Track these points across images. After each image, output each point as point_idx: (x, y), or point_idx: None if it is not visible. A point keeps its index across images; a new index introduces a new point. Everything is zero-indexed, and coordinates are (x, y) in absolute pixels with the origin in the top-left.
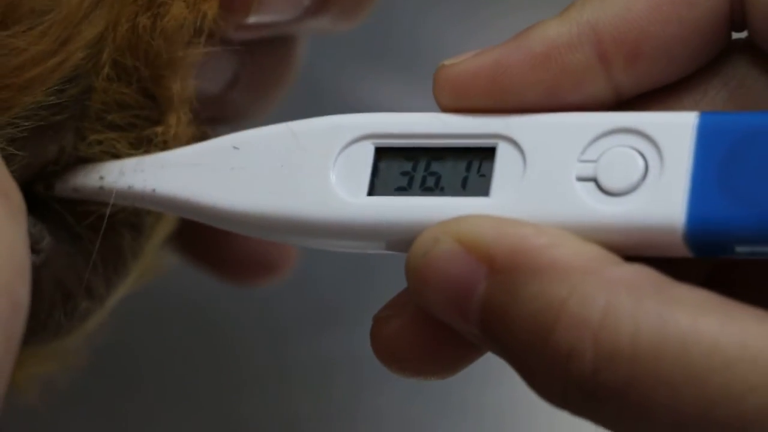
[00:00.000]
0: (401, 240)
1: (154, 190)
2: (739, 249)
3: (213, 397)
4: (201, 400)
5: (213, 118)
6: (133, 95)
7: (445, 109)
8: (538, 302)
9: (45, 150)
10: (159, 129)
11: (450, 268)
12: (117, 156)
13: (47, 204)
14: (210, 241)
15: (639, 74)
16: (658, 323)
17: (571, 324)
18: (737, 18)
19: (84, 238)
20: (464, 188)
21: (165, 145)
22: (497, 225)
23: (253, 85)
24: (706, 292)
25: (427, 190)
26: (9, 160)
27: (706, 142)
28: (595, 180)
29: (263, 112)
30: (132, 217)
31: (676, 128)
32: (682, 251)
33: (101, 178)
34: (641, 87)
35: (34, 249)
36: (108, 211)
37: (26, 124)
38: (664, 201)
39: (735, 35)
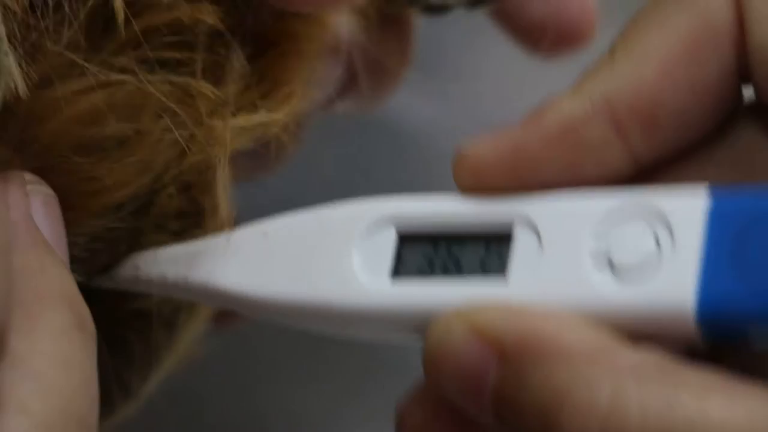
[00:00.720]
0: (421, 326)
1: (186, 279)
2: (753, 332)
3: None
4: None
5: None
6: (186, 205)
7: (466, 191)
8: (545, 389)
9: (99, 260)
10: (200, 233)
11: (462, 356)
12: None
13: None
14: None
15: (656, 142)
16: (665, 408)
17: (577, 412)
18: (745, 72)
19: (122, 336)
20: (483, 271)
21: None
22: (507, 312)
23: (373, 75)
24: (711, 373)
25: (447, 273)
26: None
27: (718, 222)
28: (608, 259)
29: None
30: (167, 314)
31: (688, 207)
32: (695, 334)
33: (137, 267)
34: (659, 154)
35: None
36: (149, 308)
37: (85, 240)
38: (676, 283)
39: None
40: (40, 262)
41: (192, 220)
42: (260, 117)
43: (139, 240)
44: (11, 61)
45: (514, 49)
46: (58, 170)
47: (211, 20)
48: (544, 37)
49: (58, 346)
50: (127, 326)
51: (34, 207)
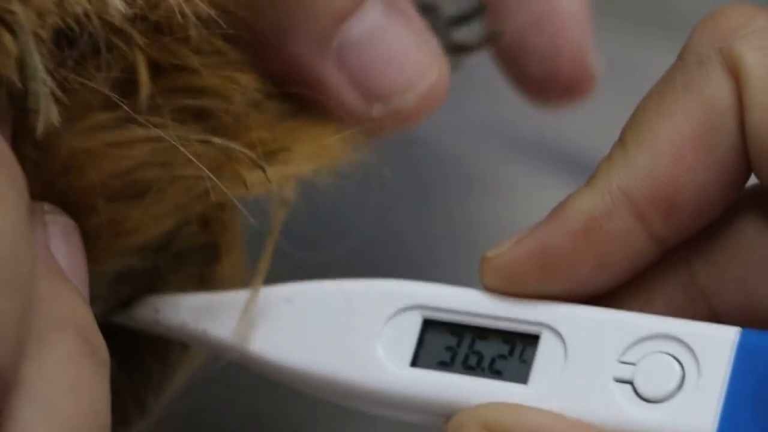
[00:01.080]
0: (438, 415)
1: (205, 331)
2: None
3: None
4: None
5: None
6: (205, 240)
7: (494, 292)
8: None
9: (120, 293)
10: (218, 268)
11: None
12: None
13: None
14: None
15: (679, 225)
16: None
17: None
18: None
19: (140, 358)
20: (504, 372)
21: (221, 284)
22: (518, 413)
23: None
24: None
25: (468, 369)
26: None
27: (744, 360)
28: (631, 383)
29: None
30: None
31: (717, 342)
32: None
33: (157, 311)
34: (684, 234)
35: None
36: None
37: (106, 278)
38: (697, 415)
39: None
40: (53, 291)
41: (209, 254)
42: (291, 169)
43: (158, 276)
44: (48, 92)
45: None
46: (85, 211)
47: (249, 85)
48: (543, 93)
49: (66, 372)
50: (145, 349)
51: (52, 236)
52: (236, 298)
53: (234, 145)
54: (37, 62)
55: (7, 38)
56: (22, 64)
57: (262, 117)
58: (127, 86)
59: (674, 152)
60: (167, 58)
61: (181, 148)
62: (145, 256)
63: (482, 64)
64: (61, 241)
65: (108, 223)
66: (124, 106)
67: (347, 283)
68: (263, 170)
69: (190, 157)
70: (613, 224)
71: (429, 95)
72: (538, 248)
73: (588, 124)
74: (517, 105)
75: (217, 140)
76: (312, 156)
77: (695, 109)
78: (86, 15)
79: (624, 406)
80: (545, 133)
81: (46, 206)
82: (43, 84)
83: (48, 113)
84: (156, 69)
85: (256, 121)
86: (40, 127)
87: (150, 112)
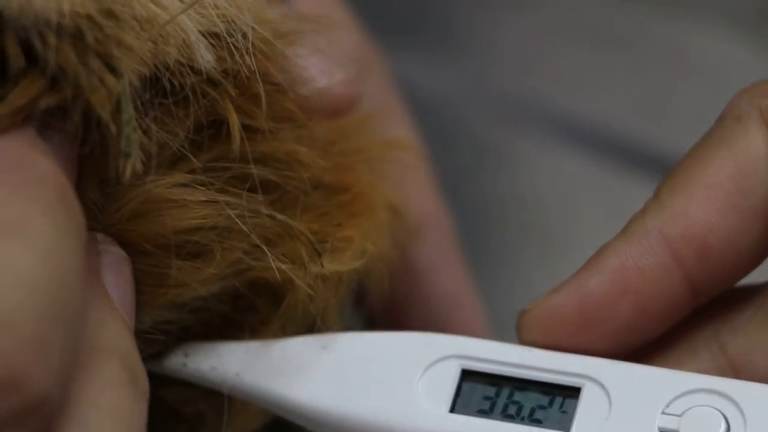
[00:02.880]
0: None
1: (237, 374)
2: None
3: None
4: None
5: None
6: (230, 312)
7: (531, 345)
8: None
9: (151, 345)
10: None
11: None
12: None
13: None
14: None
15: (712, 268)
16: None
17: None
18: None
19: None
20: (545, 421)
21: (253, 333)
22: None
23: None
24: None
25: (507, 417)
26: None
27: None
28: None
29: None
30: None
31: (765, 401)
32: None
33: (186, 355)
34: (716, 283)
35: None
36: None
37: (142, 327)
38: None
39: None
40: (100, 318)
41: (234, 328)
42: (338, 266)
43: (188, 332)
44: (138, 138)
45: (528, 20)
46: (134, 257)
47: (312, 163)
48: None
49: (107, 397)
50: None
51: (104, 266)
52: (270, 345)
53: (296, 224)
54: (131, 107)
55: (111, 80)
56: (119, 108)
57: (313, 204)
58: (199, 145)
59: (707, 195)
60: (241, 117)
61: (240, 223)
62: (178, 314)
63: (495, 35)
64: (113, 272)
65: (153, 272)
66: (198, 165)
67: (384, 333)
68: (319, 254)
69: (249, 232)
70: (648, 262)
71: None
72: (575, 294)
73: (609, 97)
74: (528, 74)
75: (281, 217)
76: (360, 253)
77: (730, 157)
78: (179, 64)
79: None
80: (565, 105)
81: (100, 236)
82: (133, 130)
83: (135, 159)
84: (225, 130)
85: (310, 207)
86: (128, 172)
87: (212, 174)
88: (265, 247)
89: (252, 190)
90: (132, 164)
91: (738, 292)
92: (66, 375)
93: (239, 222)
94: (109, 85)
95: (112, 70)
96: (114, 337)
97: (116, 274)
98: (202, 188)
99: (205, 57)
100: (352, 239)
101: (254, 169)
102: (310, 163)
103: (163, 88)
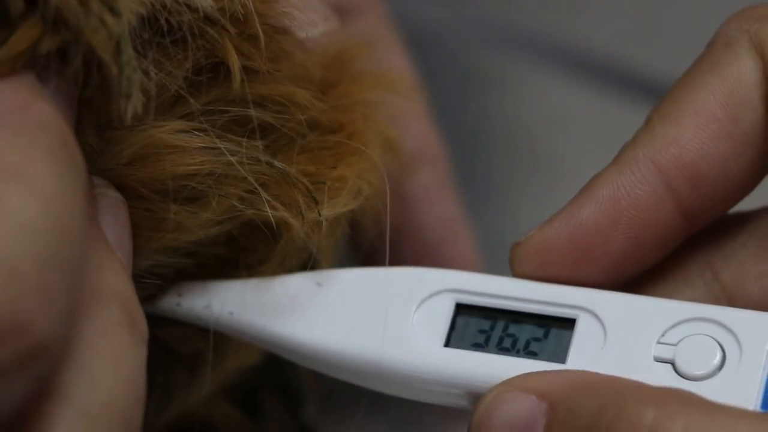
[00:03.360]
0: (472, 394)
1: (231, 313)
2: None
3: None
4: None
5: None
6: (226, 253)
7: (527, 278)
8: (593, 421)
9: (145, 289)
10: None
11: (511, 411)
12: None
13: None
14: None
15: (704, 195)
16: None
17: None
18: None
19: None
20: (540, 353)
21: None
22: (556, 371)
23: None
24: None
25: (502, 350)
26: None
27: None
28: (672, 363)
29: None
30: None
31: (760, 327)
32: None
33: (179, 295)
34: (709, 210)
35: None
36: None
37: (137, 270)
38: (739, 392)
39: None
40: (98, 260)
41: (231, 268)
42: (334, 210)
43: (183, 274)
44: (138, 79)
45: None
46: (132, 201)
47: (309, 104)
48: None
49: (107, 341)
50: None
51: (101, 209)
52: (264, 283)
53: (293, 171)
54: (131, 48)
55: (111, 20)
56: (118, 49)
57: (309, 146)
58: (197, 86)
59: (698, 122)
60: (239, 59)
61: (240, 169)
62: (174, 258)
63: None
64: (109, 214)
65: (149, 217)
66: (196, 108)
67: (378, 269)
68: (316, 202)
69: (248, 176)
70: (640, 191)
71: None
72: (567, 225)
73: (596, 21)
74: (522, 2)
75: (278, 164)
76: (355, 193)
77: (720, 84)
78: (176, 2)
79: (665, 384)
80: (552, 30)
81: (96, 179)
82: (134, 71)
83: (136, 101)
84: (223, 71)
85: (305, 148)
86: (129, 113)
87: (210, 117)
88: (263, 194)
89: (250, 133)
90: (133, 105)
91: (730, 220)
92: (69, 322)
93: (239, 168)
94: (109, 25)
95: (111, 10)
96: (112, 280)
97: (113, 217)
98: (201, 134)
99: None
100: (347, 179)
101: (253, 112)
102: (307, 104)
103: (160, 28)
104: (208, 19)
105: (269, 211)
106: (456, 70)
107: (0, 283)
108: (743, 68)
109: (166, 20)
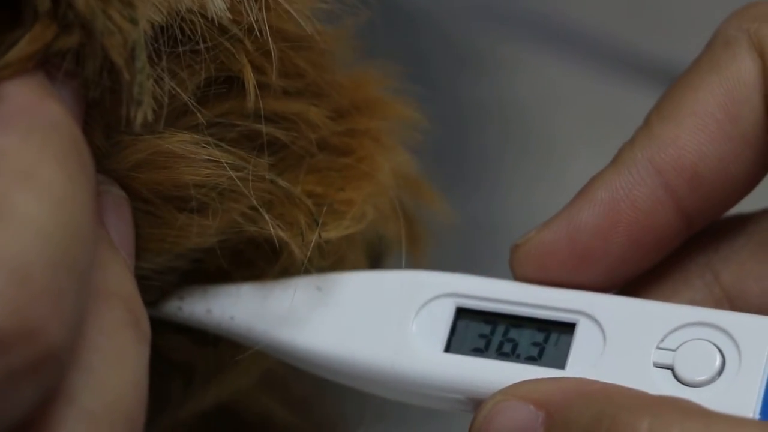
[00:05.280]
0: (473, 400)
1: (232, 318)
2: None
3: None
4: None
5: None
6: (228, 266)
7: (526, 280)
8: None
9: (148, 292)
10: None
11: (509, 421)
12: None
13: None
14: None
15: (703, 197)
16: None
17: None
18: None
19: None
20: (540, 358)
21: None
22: (553, 379)
23: None
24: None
25: (502, 355)
26: None
27: None
28: (671, 369)
29: None
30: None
31: (759, 332)
32: None
33: (181, 299)
34: (708, 212)
35: None
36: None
37: (138, 273)
38: (739, 398)
39: None
40: (103, 260)
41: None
42: (336, 233)
43: (185, 280)
44: (150, 86)
45: None
46: (136, 204)
47: (321, 124)
48: None
49: (111, 341)
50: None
51: (104, 207)
52: (265, 287)
53: (297, 192)
54: (145, 55)
55: (128, 26)
56: (132, 55)
57: (317, 165)
58: (209, 98)
59: (697, 123)
60: (253, 73)
61: (241, 186)
62: (175, 263)
63: None
64: (113, 212)
65: (153, 221)
66: (207, 118)
67: (378, 273)
68: (317, 224)
69: (251, 197)
70: (639, 193)
71: None
72: (566, 227)
73: (589, 0)
74: None
75: (283, 183)
76: (358, 218)
77: (719, 84)
78: (190, 11)
79: (664, 390)
80: (545, 10)
81: (100, 177)
82: (147, 78)
83: (146, 108)
84: (237, 85)
85: (314, 168)
86: (139, 120)
87: (219, 130)
88: (265, 214)
89: (259, 148)
90: (143, 112)
91: (729, 222)
92: (77, 329)
93: (241, 186)
94: (125, 31)
95: (129, 16)
96: (116, 280)
97: (117, 216)
98: (209, 146)
99: (217, 3)
100: (353, 202)
101: (264, 128)
102: (319, 123)
103: (174, 37)
104: (222, 29)
105: (271, 229)
106: (449, 50)
107: (13, 289)
108: (742, 68)
109: (181, 29)
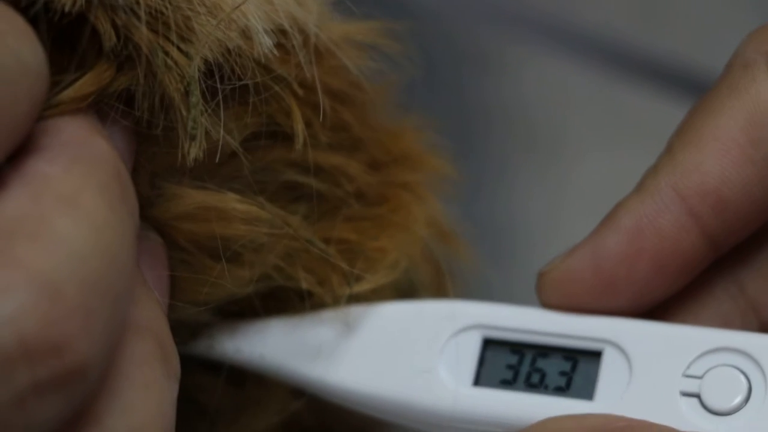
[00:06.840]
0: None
1: (262, 356)
2: None
3: None
4: None
5: None
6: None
7: (552, 307)
8: None
9: (178, 335)
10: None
11: None
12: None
13: None
14: None
15: (728, 221)
16: None
17: None
18: None
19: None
20: (568, 389)
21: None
22: (579, 417)
23: None
24: None
25: (531, 387)
26: None
27: None
28: (698, 397)
29: None
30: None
31: None
32: None
33: (211, 336)
34: (733, 235)
35: None
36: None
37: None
38: (764, 428)
39: None
40: (136, 295)
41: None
42: (368, 285)
43: (214, 316)
44: (204, 125)
45: None
46: (175, 251)
47: (357, 176)
48: None
49: (140, 371)
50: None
51: (141, 250)
52: (294, 323)
53: (333, 254)
54: (199, 91)
55: (184, 61)
56: (187, 90)
57: (353, 215)
58: (255, 147)
59: (720, 148)
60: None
61: (272, 243)
62: (207, 315)
63: None
64: (149, 255)
65: (189, 269)
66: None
67: (404, 304)
68: (349, 283)
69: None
70: (664, 220)
71: None
72: (591, 255)
73: (595, 1)
74: None
75: (319, 244)
76: (392, 267)
77: (740, 108)
78: (239, 50)
79: (691, 419)
80: (551, 10)
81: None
82: (201, 113)
83: (201, 143)
84: (281, 136)
85: (349, 217)
86: (192, 156)
87: (262, 179)
88: (299, 272)
89: (297, 198)
90: (195, 149)
91: (754, 233)
92: (109, 350)
93: (276, 243)
94: (181, 65)
95: (185, 50)
96: (148, 315)
97: (153, 258)
98: (251, 205)
99: (265, 43)
100: (387, 251)
101: (313, 181)
102: (358, 177)
103: (222, 76)
104: (269, 70)
105: (303, 287)
106: (454, 50)
107: (44, 303)
108: (762, 91)
109: (231, 70)
